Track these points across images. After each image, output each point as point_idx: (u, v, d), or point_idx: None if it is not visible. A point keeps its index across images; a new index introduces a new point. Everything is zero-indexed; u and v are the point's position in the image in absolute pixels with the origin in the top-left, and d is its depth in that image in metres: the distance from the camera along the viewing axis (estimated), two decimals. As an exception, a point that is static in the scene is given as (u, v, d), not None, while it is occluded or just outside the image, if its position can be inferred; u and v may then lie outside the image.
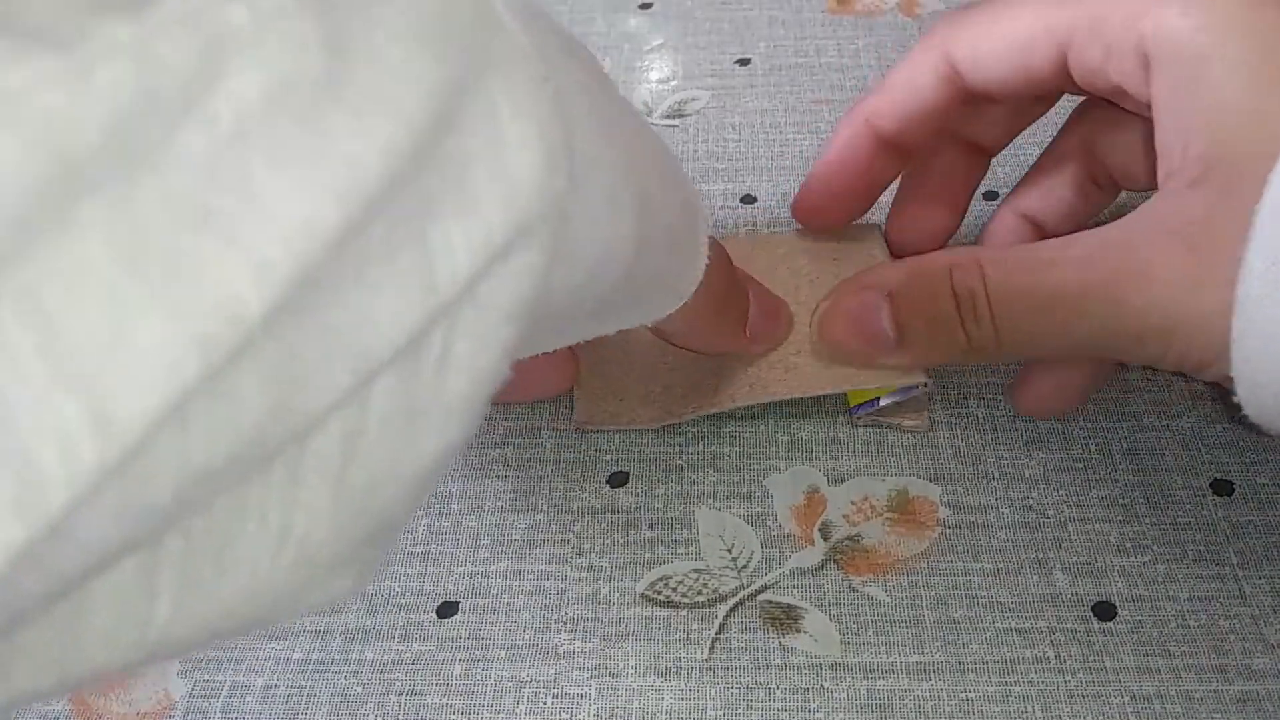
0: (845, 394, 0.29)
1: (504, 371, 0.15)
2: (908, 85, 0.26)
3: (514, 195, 0.14)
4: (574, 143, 0.15)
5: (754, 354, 0.28)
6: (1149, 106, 0.23)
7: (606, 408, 0.29)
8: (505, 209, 0.14)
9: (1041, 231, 0.29)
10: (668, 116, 0.38)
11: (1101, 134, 0.27)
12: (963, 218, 0.30)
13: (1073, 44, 0.24)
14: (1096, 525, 0.27)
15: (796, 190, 0.29)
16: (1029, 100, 0.28)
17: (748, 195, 0.35)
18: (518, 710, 0.25)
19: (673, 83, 0.39)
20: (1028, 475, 0.28)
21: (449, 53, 0.13)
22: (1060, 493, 0.27)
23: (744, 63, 0.39)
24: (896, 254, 0.30)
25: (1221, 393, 0.28)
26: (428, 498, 0.15)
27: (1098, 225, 0.25)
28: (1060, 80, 0.25)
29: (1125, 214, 0.24)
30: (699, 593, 0.26)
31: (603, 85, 0.19)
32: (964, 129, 0.28)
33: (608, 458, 0.29)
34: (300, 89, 0.12)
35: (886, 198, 0.30)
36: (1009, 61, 0.25)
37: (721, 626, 0.26)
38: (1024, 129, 0.29)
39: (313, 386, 0.12)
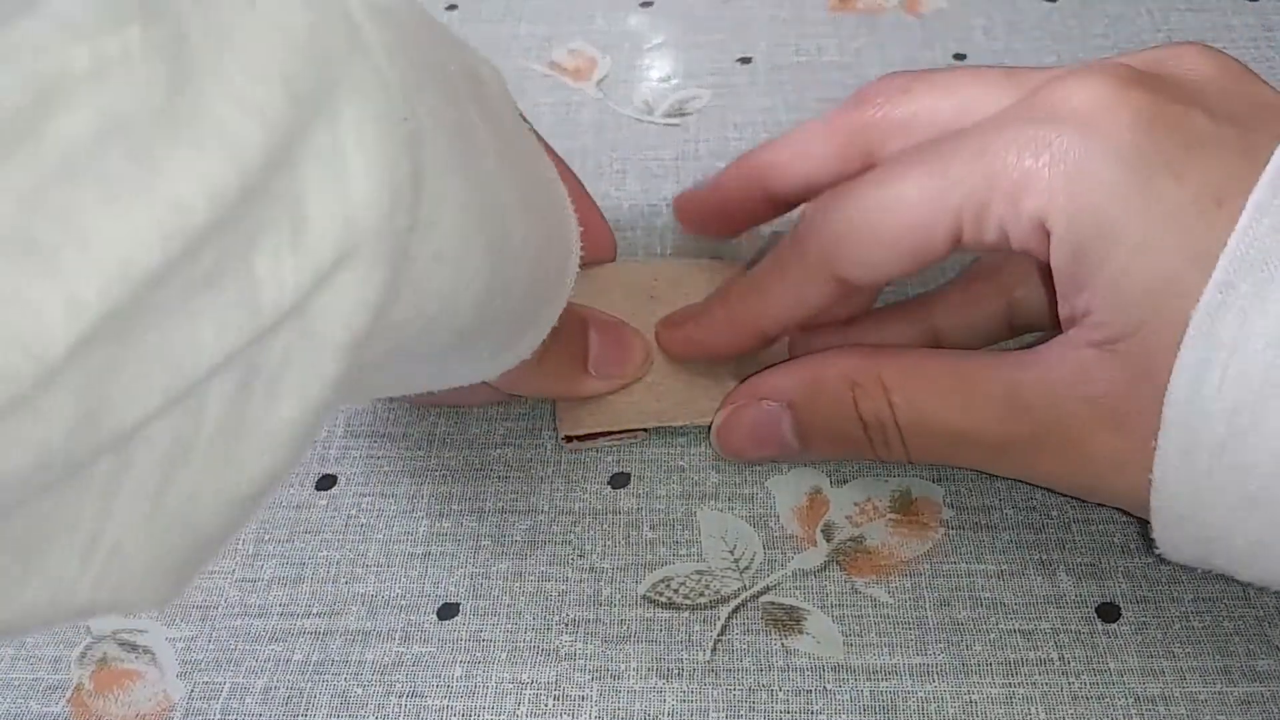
0: None
1: (333, 401, 0.15)
2: (795, 301, 0.25)
3: (347, 227, 0.14)
4: (425, 182, 0.15)
5: (601, 391, 0.27)
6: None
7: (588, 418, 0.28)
8: (336, 241, 0.14)
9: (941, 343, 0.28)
10: (669, 115, 0.37)
11: (1019, 286, 0.27)
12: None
13: (964, 228, 0.22)
14: (1100, 526, 0.26)
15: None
16: None
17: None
18: (519, 712, 0.24)
19: (674, 81, 0.39)
20: (1031, 476, 0.28)
21: (302, 86, 0.13)
22: (1064, 493, 0.27)
23: (745, 61, 0.39)
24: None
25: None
26: (249, 520, 0.16)
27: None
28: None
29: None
30: (701, 594, 0.26)
31: (484, 119, 0.19)
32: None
33: (609, 459, 0.28)
34: (136, 126, 0.12)
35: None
36: (900, 263, 0.23)
37: (724, 628, 0.25)
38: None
39: (122, 404, 0.12)
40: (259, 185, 0.13)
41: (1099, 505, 0.27)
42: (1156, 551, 0.23)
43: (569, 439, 0.28)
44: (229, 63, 0.13)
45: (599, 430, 0.27)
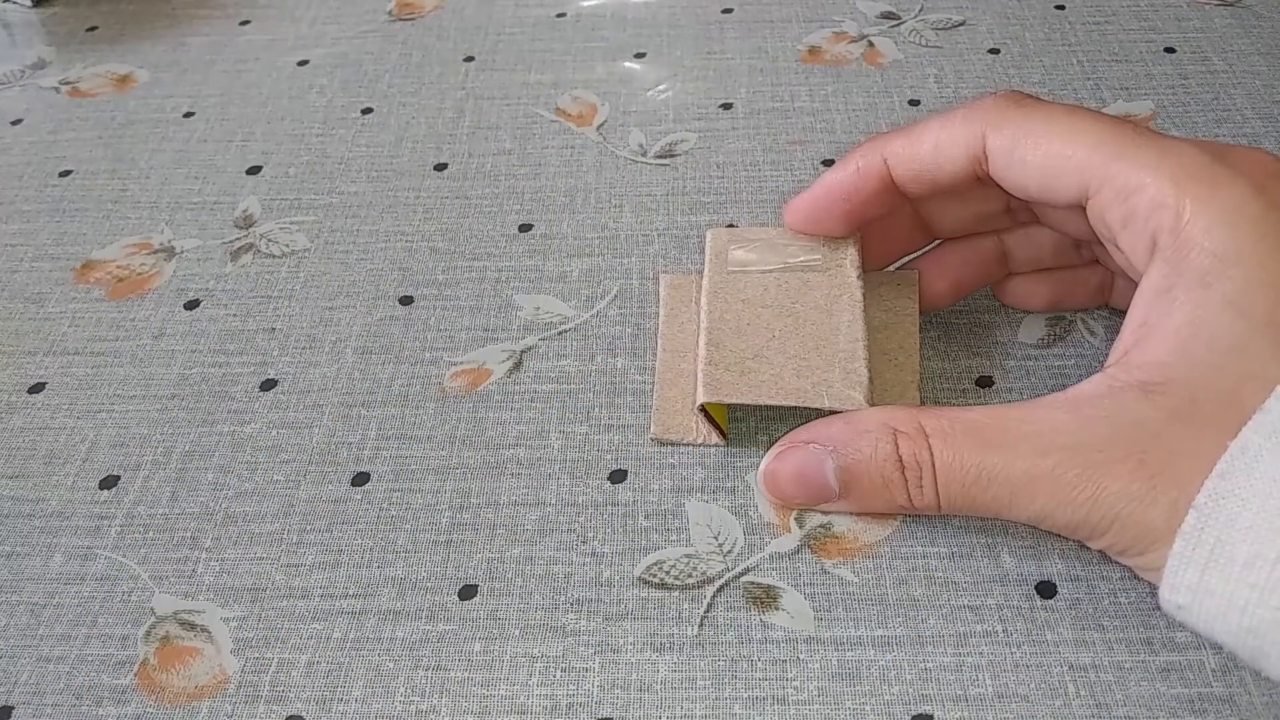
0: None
1: None
2: (936, 147, 0.24)
3: None
4: None
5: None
6: (1139, 274, 0.22)
7: (679, 422, 0.28)
8: None
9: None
10: (660, 156, 0.38)
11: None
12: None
13: (1100, 194, 0.21)
14: (1038, 514, 0.27)
15: (794, 196, 0.27)
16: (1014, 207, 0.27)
17: (731, 224, 0.35)
18: (530, 683, 0.24)
19: (664, 125, 0.39)
20: (978, 470, 0.28)
21: None
22: (1006, 486, 0.27)
23: (727, 107, 0.39)
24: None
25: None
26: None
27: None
28: (1072, 207, 0.23)
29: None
30: (689, 575, 0.26)
31: None
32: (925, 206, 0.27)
33: (608, 457, 0.29)
34: None
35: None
36: (1035, 177, 0.22)
37: (709, 606, 0.25)
38: (978, 231, 0.28)
39: None
40: None
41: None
42: (1161, 599, 0.21)
43: (659, 440, 0.28)
44: None
45: (741, 401, 0.26)
